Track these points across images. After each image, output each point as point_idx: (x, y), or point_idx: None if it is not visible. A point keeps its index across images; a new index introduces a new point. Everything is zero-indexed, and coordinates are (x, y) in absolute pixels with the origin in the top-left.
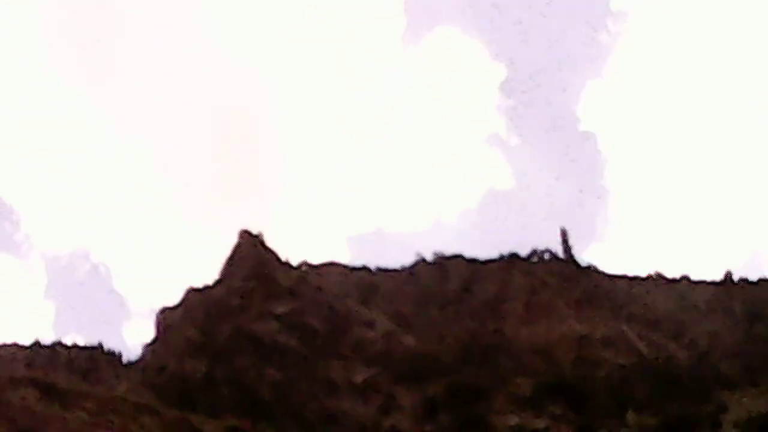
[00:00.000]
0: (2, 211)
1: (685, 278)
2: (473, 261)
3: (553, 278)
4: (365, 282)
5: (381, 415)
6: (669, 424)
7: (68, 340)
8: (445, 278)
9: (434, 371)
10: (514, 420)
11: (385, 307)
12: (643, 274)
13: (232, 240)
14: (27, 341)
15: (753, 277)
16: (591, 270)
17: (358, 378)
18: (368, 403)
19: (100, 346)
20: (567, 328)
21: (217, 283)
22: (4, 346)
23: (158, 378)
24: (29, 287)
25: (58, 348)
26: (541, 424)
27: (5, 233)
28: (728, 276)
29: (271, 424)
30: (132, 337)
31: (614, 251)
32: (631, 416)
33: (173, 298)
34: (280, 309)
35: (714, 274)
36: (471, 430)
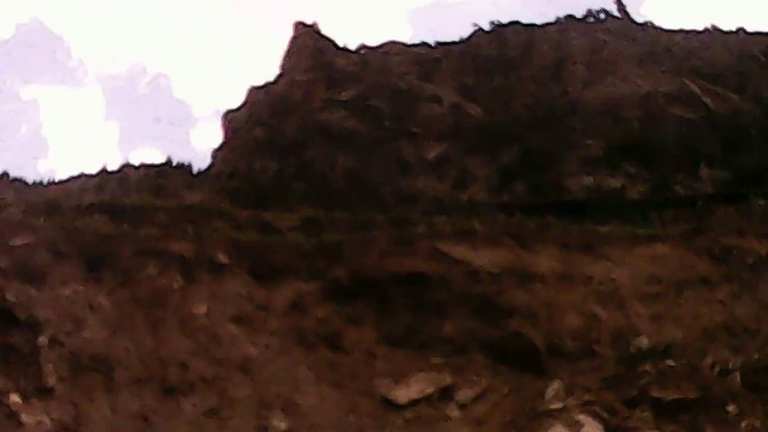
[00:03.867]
0: (51, 40)
1: (741, 30)
2: (530, 26)
3: (611, 37)
4: (426, 58)
5: (456, 189)
6: (741, 176)
7: (136, 157)
8: (504, 46)
9: (504, 140)
10: (588, 181)
11: (448, 81)
12: (699, 28)
13: (288, 33)
14: (94, 169)
15: None
16: (648, 26)
17: (430, 154)
18: (443, 179)
19: (169, 160)
20: (631, 86)
21: (278, 78)
22: (73, 178)
23: (230, 182)
24: (89, 113)
25: (126, 170)
26: (616, 183)
27: (58, 64)
28: None
29: (347, 210)
30: (200, 143)
31: (668, 7)
32: (704, 171)
33: (236, 99)
34: (344, 95)
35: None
36: (547, 195)
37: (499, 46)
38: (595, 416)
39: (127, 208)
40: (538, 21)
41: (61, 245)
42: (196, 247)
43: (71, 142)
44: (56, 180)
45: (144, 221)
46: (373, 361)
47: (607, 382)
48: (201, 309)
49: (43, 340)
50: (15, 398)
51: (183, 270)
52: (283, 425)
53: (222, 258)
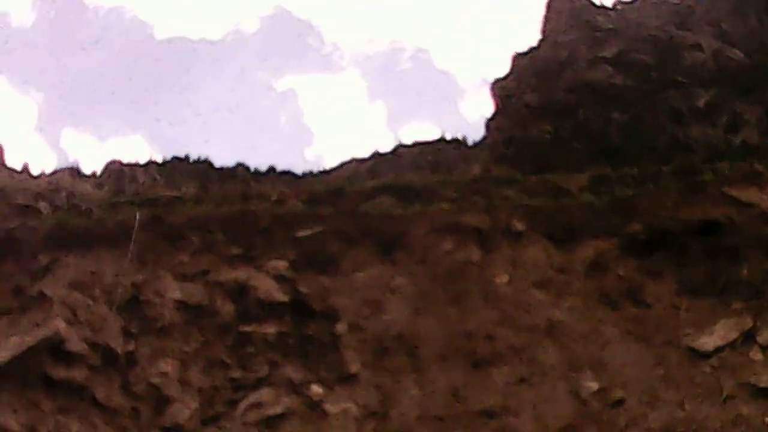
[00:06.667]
0: (300, 29)
1: None
2: None
3: None
4: (680, 7)
5: (729, 134)
6: None
7: (406, 134)
8: None
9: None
10: None
11: (705, 27)
12: None
13: None
14: (364, 151)
15: None
16: None
17: (700, 102)
18: (715, 125)
19: (443, 136)
20: None
21: (541, 42)
22: (344, 163)
23: (507, 151)
24: (351, 96)
25: (400, 149)
26: None
27: (311, 51)
28: None
29: (629, 165)
30: (471, 113)
31: None
32: None
33: (498, 66)
34: (607, 52)
35: None
36: None
37: None
38: None
39: (415, 187)
40: None
41: (351, 231)
42: (490, 217)
43: (336, 127)
44: (326, 168)
45: (433, 198)
46: (676, 313)
47: None
48: (503, 278)
49: (342, 327)
50: (317, 389)
51: (480, 241)
52: (594, 385)
53: (518, 225)
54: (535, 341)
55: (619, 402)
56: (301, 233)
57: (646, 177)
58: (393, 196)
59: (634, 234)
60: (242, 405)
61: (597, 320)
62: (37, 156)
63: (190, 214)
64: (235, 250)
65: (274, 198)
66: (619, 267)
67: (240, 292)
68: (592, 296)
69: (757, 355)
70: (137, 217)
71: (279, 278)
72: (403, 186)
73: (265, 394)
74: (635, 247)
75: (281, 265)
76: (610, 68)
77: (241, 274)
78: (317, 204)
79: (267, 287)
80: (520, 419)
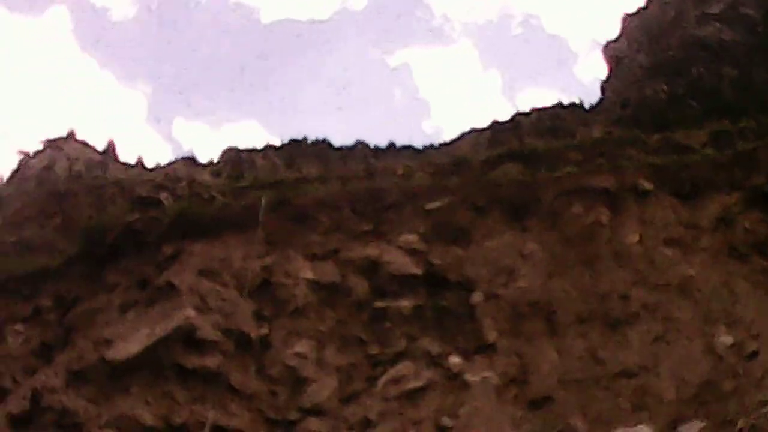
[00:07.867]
0: (408, 3)
1: None
2: None
3: None
4: None
5: None
6: None
7: (522, 101)
8: None
9: None
10: None
11: None
12: None
13: None
14: (482, 121)
15: None
16: None
17: None
18: None
19: (560, 102)
20: None
21: (648, 2)
22: (464, 134)
23: (624, 112)
24: (465, 67)
25: (518, 117)
26: None
27: (421, 24)
28: None
29: (745, 119)
30: (585, 75)
31: None
32: None
33: (610, 28)
34: (714, 9)
35: None
36: None
37: None
38: None
39: (539, 153)
40: None
41: (480, 200)
42: (616, 178)
43: (452, 98)
44: (447, 140)
45: (558, 162)
46: None
47: None
48: (633, 238)
49: (477, 296)
50: (455, 359)
51: (609, 203)
52: (728, 340)
53: (645, 184)
54: (669, 299)
55: (754, 354)
56: (430, 205)
57: (764, 130)
58: (518, 163)
59: (758, 186)
60: (381, 381)
61: (727, 274)
62: (149, 148)
63: (316, 194)
64: (365, 227)
65: (399, 172)
66: (745, 220)
67: (372, 268)
68: (720, 251)
69: None
70: (263, 200)
71: (411, 252)
72: (527, 152)
73: (404, 368)
74: (759, 200)
75: (412, 238)
76: (718, 24)
77: (372, 250)
78: (443, 176)
79: (399, 261)
80: (658, 377)
